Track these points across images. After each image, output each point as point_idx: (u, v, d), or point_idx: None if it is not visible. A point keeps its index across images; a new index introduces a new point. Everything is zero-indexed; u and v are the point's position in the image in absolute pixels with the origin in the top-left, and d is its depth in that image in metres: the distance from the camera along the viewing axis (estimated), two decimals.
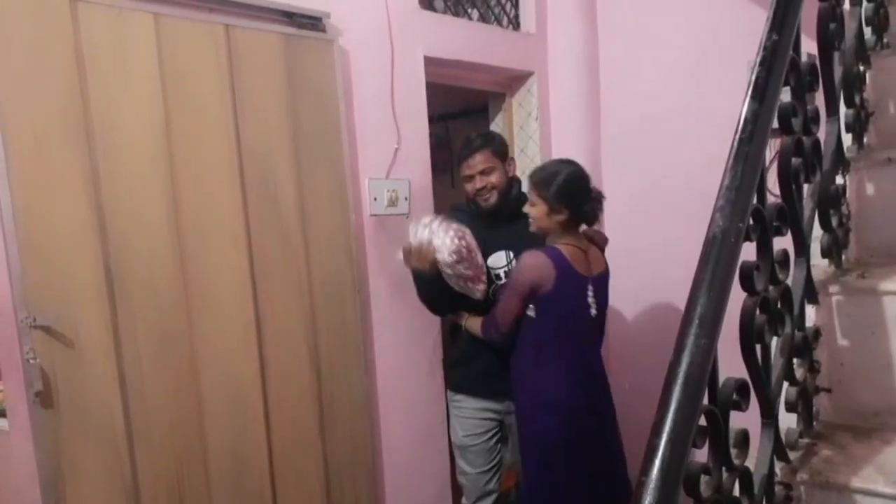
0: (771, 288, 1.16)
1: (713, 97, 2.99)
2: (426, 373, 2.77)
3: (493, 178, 2.32)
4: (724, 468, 1.03)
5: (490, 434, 2.42)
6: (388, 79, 2.60)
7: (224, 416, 2.08)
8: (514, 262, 2.27)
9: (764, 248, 1.13)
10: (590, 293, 2.19)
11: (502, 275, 2.33)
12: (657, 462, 0.87)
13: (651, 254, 3.24)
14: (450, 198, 2.77)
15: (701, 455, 1.06)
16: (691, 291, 0.99)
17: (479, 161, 2.31)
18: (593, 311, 2.20)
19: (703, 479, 0.97)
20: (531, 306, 2.14)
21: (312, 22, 2.31)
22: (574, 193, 2.12)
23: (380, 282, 2.61)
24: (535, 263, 2.10)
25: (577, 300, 2.16)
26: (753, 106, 1.10)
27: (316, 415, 2.32)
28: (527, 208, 2.22)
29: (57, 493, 1.78)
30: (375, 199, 2.57)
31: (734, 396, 1.03)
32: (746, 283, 1.08)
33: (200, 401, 2.03)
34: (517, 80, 3.33)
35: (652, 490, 0.86)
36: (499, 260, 2.34)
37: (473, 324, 2.30)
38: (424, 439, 2.79)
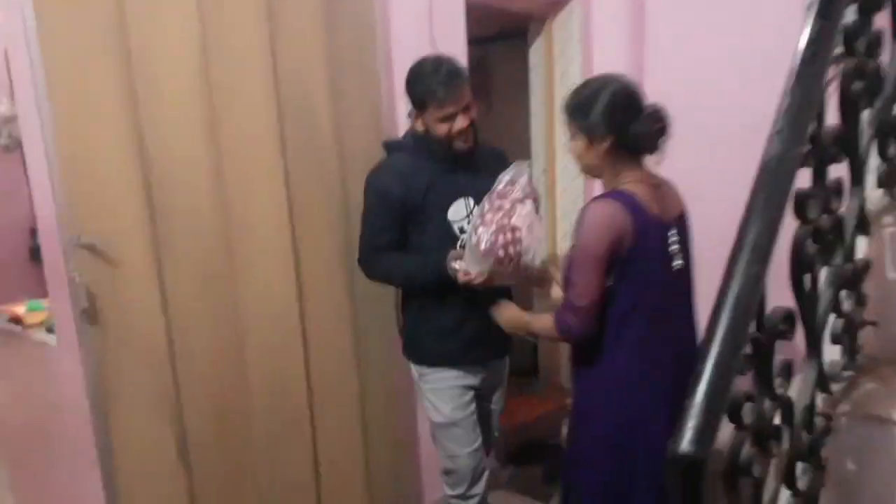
0: (823, 217, 1.12)
1: (762, 22, 2.86)
2: None
3: (475, 114, 2.01)
4: (766, 397, 1.02)
5: (474, 405, 2.16)
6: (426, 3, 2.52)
7: (264, 344, 2.10)
8: (475, 211, 1.95)
9: (819, 175, 1.09)
10: (673, 241, 1.72)
11: (465, 227, 2.00)
12: (702, 386, 0.87)
13: (700, 187, 3.17)
14: (484, 125, 2.68)
15: (744, 383, 1.05)
16: (744, 217, 0.96)
17: (465, 94, 1.96)
18: (679, 262, 1.72)
19: (747, 406, 0.97)
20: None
21: None
22: (617, 112, 1.67)
23: None
24: (607, 214, 1.63)
25: (661, 253, 1.70)
26: (818, 23, 1.04)
27: (352, 346, 2.35)
28: (571, 149, 1.83)
29: (104, 407, 1.84)
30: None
31: (781, 326, 1.01)
32: (800, 211, 1.04)
33: (240, 328, 2.05)
34: (559, 3, 3.22)
35: (696, 413, 0.86)
36: (458, 211, 2.03)
37: (541, 325, 1.81)
38: None
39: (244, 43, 2.00)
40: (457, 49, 2.66)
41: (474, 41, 2.73)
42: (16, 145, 2.93)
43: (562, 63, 3.30)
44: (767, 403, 1.01)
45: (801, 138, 0.98)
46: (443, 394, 2.12)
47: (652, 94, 3.20)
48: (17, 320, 2.24)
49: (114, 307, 1.82)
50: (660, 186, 1.75)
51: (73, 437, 1.95)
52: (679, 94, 3.14)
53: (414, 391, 2.31)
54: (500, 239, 1.84)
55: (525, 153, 3.79)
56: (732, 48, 2.95)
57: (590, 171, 1.78)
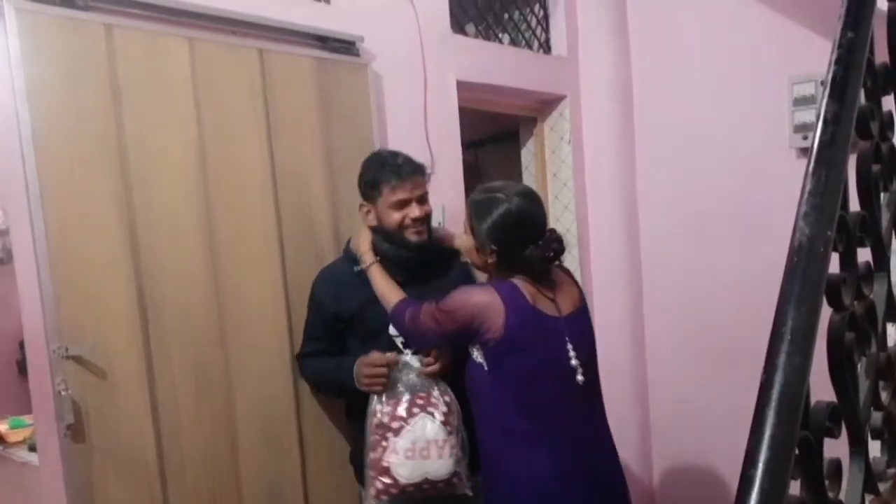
0: (856, 303, 1.07)
1: (751, 116, 2.92)
2: None
3: (429, 207, 1.94)
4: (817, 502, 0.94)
5: None
6: (420, 103, 2.56)
7: (259, 449, 1.99)
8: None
9: (849, 259, 1.04)
10: (566, 338, 1.71)
11: None
12: (755, 495, 0.78)
13: (690, 275, 3.15)
14: None
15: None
16: (779, 304, 0.90)
17: (418, 183, 1.90)
18: (573, 362, 1.70)
19: None
20: (477, 353, 1.69)
21: (346, 46, 2.27)
22: (507, 233, 1.67)
23: None
24: (474, 292, 1.67)
25: (545, 348, 1.69)
26: (833, 106, 1.03)
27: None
28: (458, 241, 1.92)
29: None
30: None
31: (827, 423, 0.94)
32: (834, 297, 0.99)
33: (235, 433, 1.95)
34: (549, 104, 3.28)
35: None
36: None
37: (384, 287, 1.86)
38: None
39: (241, 145, 1.99)
40: (451, 150, 2.69)
41: (467, 145, 2.76)
42: (8, 258, 2.89)
43: (554, 162, 3.34)
44: None
45: (830, 221, 0.94)
46: None
47: (644, 187, 3.26)
48: None
49: (101, 420, 1.72)
50: (557, 282, 1.78)
51: None
52: (671, 187, 3.19)
53: None
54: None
55: None
56: (723, 145, 3.00)
57: (479, 267, 1.83)
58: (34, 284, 1.67)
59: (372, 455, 1.80)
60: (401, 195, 1.86)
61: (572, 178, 3.27)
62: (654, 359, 3.34)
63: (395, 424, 1.77)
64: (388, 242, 1.90)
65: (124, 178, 1.77)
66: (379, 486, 1.77)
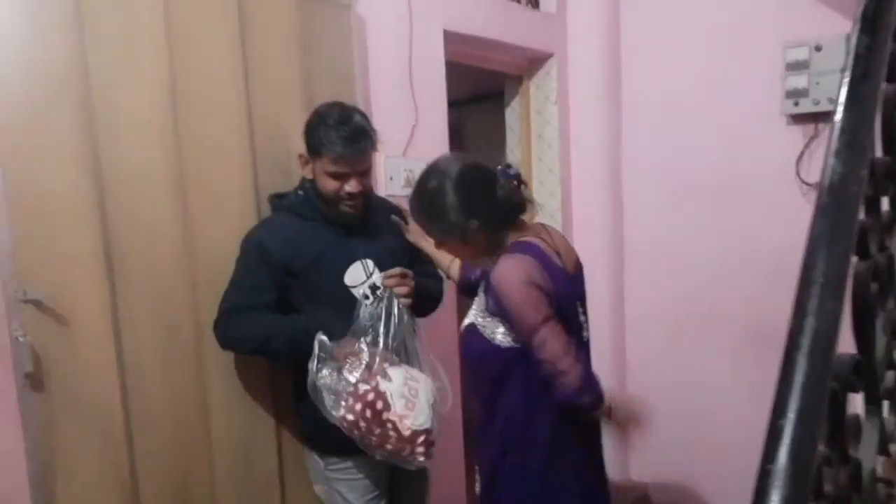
0: (878, 254, 1.00)
1: (742, 80, 2.86)
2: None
3: (369, 181, 1.84)
4: (840, 460, 0.88)
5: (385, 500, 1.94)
6: (406, 52, 2.45)
7: (230, 402, 1.90)
8: (375, 273, 1.82)
9: (874, 206, 0.98)
10: (576, 294, 1.69)
11: (369, 293, 1.80)
12: (786, 446, 0.72)
13: (673, 244, 3.10)
14: None
15: None
16: (808, 247, 0.83)
17: (363, 157, 1.76)
18: (581, 318, 1.69)
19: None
20: (503, 337, 1.57)
21: None
22: (475, 197, 1.57)
23: None
24: (516, 266, 1.52)
25: (570, 308, 1.64)
26: (865, 40, 0.95)
27: None
28: (433, 251, 1.84)
29: (47, 488, 1.61)
30: (392, 178, 2.42)
31: (852, 376, 0.87)
32: (861, 244, 0.92)
33: (204, 386, 1.85)
34: (536, 62, 3.18)
35: (782, 480, 0.71)
36: (357, 275, 1.82)
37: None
38: None
39: (216, 88, 1.87)
40: (437, 103, 2.59)
41: (449, 105, 2.65)
42: None
43: (539, 123, 3.25)
44: (841, 468, 0.87)
45: (862, 160, 0.87)
46: (355, 485, 1.87)
47: (630, 152, 3.19)
48: None
49: (63, 370, 1.62)
50: (552, 235, 1.69)
51: None
52: (657, 154, 3.12)
53: None
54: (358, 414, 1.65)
55: None
56: (712, 110, 2.94)
57: (478, 257, 1.67)
58: None
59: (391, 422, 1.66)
60: (341, 168, 1.74)
61: (557, 139, 3.19)
62: (633, 327, 3.30)
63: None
64: (324, 204, 1.82)
65: (89, 116, 1.64)
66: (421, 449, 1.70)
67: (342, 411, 1.65)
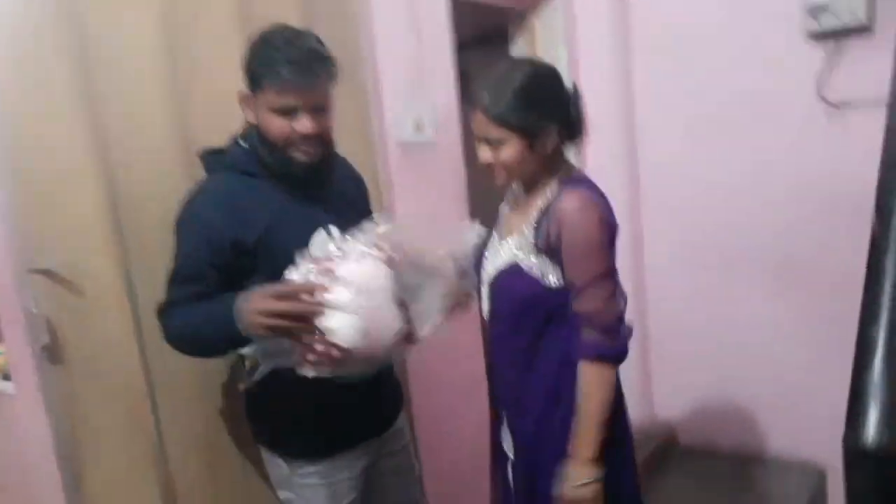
0: None
1: (758, 16, 2.73)
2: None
3: (328, 121, 1.49)
4: None
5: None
6: None
7: None
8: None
9: None
10: None
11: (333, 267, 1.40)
12: (880, 354, 0.66)
13: (692, 176, 3.01)
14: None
15: None
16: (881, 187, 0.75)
17: (316, 88, 1.43)
18: None
19: None
20: (553, 276, 1.44)
21: None
22: (560, 100, 1.47)
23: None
24: (592, 200, 1.42)
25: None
26: None
27: None
28: (485, 157, 1.48)
29: (74, 459, 1.57)
30: (398, 122, 2.32)
31: None
32: None
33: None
34: None
35: (878, 394, 0.64)
36: (324, 246, 1.39)
37: (592, 427, 1.43)
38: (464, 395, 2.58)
39: (215, 39, 1.77)
40: (442, 41, 2.48)
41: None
42: None
43: (546, 61, 3.13)
44: None
45: None
46: (328, 492, 1.58)
47: (642, 83, 3.08)
48: None
49: (79, 340, 1.56)
50: None
51: (39, 502, 1.67)
52: (672, 82, 3.01)
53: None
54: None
55: None
56: (727, 34, 2.82)
57: (524, 177, 1.52)
58: None
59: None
60: (289, 100, 1.40)
61: (567, 78, 3.07)
62: (653, 266, 3.23)
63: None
64: (266, 147, 1.46)
65: (87, 66, 1.56)
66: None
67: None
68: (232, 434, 1.81)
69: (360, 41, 2.14)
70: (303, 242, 1.39)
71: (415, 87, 2.36)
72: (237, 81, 1.70)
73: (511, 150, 1.43)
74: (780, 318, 2.86)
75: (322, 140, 1.48)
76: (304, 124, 1.42)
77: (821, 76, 2.62)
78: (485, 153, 1.47)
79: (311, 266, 1.32)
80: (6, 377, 1.81)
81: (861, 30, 2.51)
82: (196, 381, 1.74)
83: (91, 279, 1.57)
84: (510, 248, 1.50)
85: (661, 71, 3.04)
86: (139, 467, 1.65)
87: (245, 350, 1.42)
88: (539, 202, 1.49)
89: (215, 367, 1.77)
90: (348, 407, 1.57)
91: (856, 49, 2.56)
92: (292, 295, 1.27)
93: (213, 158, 1.54)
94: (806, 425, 2.83)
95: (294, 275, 1.32)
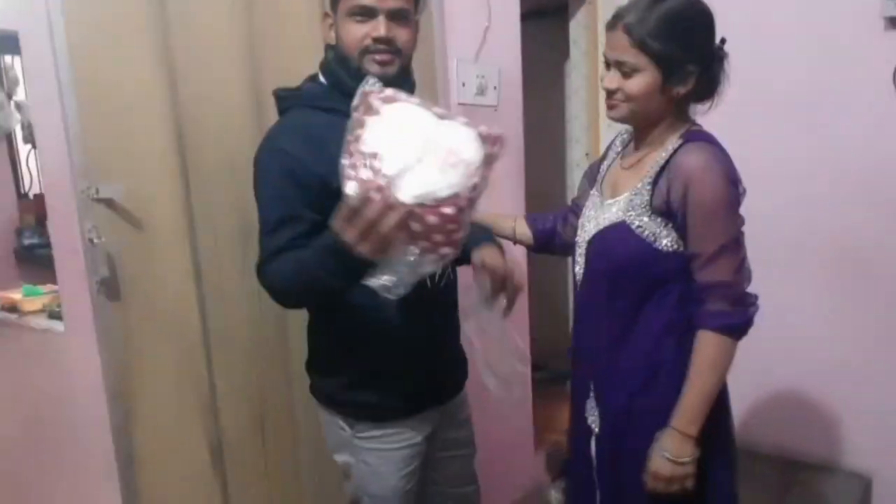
0: None
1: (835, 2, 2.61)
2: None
3: (406, 33, 1.36)
4: None
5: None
6: None
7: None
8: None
9: None
10: None
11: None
12: None
13: (758, 162, 2.88)
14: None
15: None
16: None
17: None
18: None
19: None
20: (668, 240, 1.31)
21: None
22: (708, 39, 1.34)
23: None
24: (720, 159, 1.30)
25: None
26: None
27: None
28: (611, 83, 1.31)
29: (125, 401, 1.50)
30: (464, 84, 2.24)
31: None
32: None
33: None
34: None
35: None
36: None
37: (700, 396, 1.31)
38: None
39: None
40: (509, 5, 2.39)
41: None
42: (2, 132, 2.60)
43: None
44: None
45: None
46: (391, 457, 1.48)
47: None
48: (12, 308, 1.89)
49: (138, 276, 1.50)
50: None
51: (85, 443, 1.61)
52: (741, 62, 2.89)
53: None
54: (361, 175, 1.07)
55: (562, 137, 3.52)
56: (801, 10, 2.70)
57: (643, 119, 1.35)
58: (56, 112, 1.40)
59: None
60: (365, 0, 1.30)
61: None
62: None
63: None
64: (343, 67, 1.35)
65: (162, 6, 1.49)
66: None
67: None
68: (287, 390, 1.74)
69: (430, 4, 2.06)
70: None
71: (481, 51, 2.27)
72: (310, 27, 1.62)
73: (644, 80, 1.28)
74: (834, 316, 2.75)
75: (400, 51, 1.35)
76: (379, 28, 1.31)
77: None
78: (612, 78, 1.31)
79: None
80: (53, 316, 1.75)
81: None
82: (253, 330, 1.68)
83: (153, 212, 1.50)
84: (620, 208, 1.36)
85: (736, 56, 2.92)
86: (188, 416, 1.59)
87: (372, 281, 1.18)
88: (656, 157, 1.34)
89: (274, 318, 1.70)
90: (418, 368, 1.45)
91: None
92: (360, 207, 1.06)
93: (289, 95, 1.42)
94: (854, 431, 2.73)
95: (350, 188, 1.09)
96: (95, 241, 1.42)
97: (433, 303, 1.44)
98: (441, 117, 1.15)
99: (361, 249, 1.08)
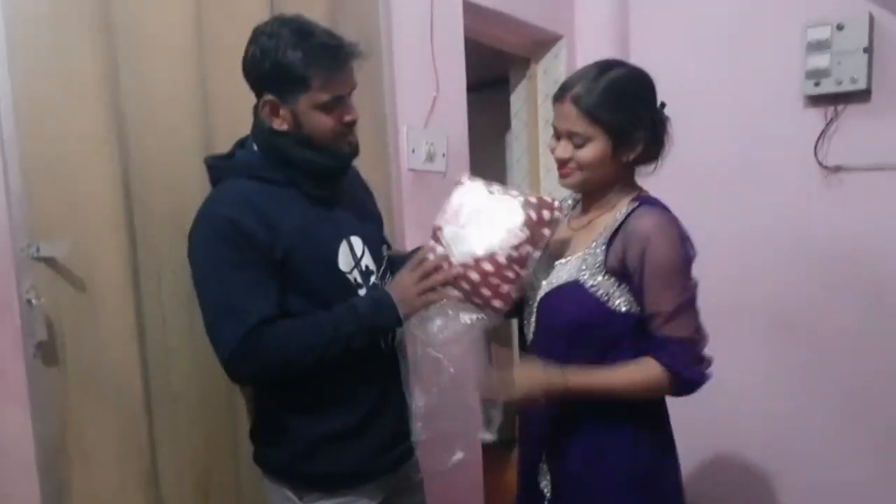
0: None
1: (760, 61, 2.79)
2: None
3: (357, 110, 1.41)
4: None
5: None
6: (427, 22, 2.30)
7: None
8: (366, 255, 1.43)
9: None
10: None
11: (361, 280, 1.41)
12: None
13: (689, 231, 3.01)
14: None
15: None
16: None
17: (352, 72, 1.36)
18: None
19: None
20: (622, 300, 1.33)
21: None
22: (652, 107, 1.39)
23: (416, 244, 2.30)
24: (671, 220, 1.35)
25: None
26: None
27: None
28: (563, 152, 1.37)
29: (59, 473, 1.39)
30: (414, 150, 2.26)
31: None
32: None
33: None
34: (544, 44, 3.09)
35: None
36: (346, 260, 1.40)
37: (603, 382, 1.33)
38: None
39: (243, 23, 1.68)
40: (457, 75, 2.49)
41: None
42: None
43: (547, 108, 3.14)
44: None
45: None
46: None
47: None
48: None
49: (79, 340, 1.42)
50: None
51: None
52: (678, 141, 3.02)
53: None
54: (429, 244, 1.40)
55: None
56: (728, 90, 2.87)
57: (591, 186, 1.41)
58: None
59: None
60: (339, 89, 1.32)
61: None
62: None
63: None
64: (309, 149, 1.35)
65: (110, 41, 1.46)
66: None
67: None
68: (233, 458, 1.65)
69: (383, 70, 2.10)
70: (333, 255, 1.37)
71: (429, 119, 2.32)
72: None
73: (595, 149, 1.33)
74: (775, 372, 2.83)
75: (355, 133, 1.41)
76: (352, 112, 1.36)
77: (817, 138, 2.68)
78: (564, 148, 1.36)
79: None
80: None
81: (860, 95, 2.58)
82: (199, 395, 1.60)
83: (97, 272, 1.43)
84: (571, 268, 1.38)
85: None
86: (128, 489, 1.48)
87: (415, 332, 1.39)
88: (608, 219, 1.37)
89: (222, 382, 1.62)
90: (372, 431, 1.43)
91: (853, 114, 2.62)
92: (433, 267, 1.34)
93: (221, 164, 1.41)
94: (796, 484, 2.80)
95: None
96: (34, 301, 1.34)
97: (385, 364, 1.43)
98: (491, 192, 1.39)
99: (415, 297, 1.32)
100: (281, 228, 1.30)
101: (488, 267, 1.31)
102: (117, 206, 1.46)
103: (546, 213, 1.34)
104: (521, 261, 1.32)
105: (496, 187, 1.40)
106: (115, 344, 1.45)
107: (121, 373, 1.47)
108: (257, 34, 1.33)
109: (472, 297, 1.33)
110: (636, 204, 1.36)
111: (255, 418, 1.49)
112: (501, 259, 1.31)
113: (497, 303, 1.33)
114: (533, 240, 1.32)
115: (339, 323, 1.31)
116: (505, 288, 1.32)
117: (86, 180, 1.42)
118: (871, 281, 2.61)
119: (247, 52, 1.34)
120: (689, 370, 1.31)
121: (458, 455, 1.40)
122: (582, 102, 1.31)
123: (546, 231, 1.34)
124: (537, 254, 1.34)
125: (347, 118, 1.36)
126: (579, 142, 1.34)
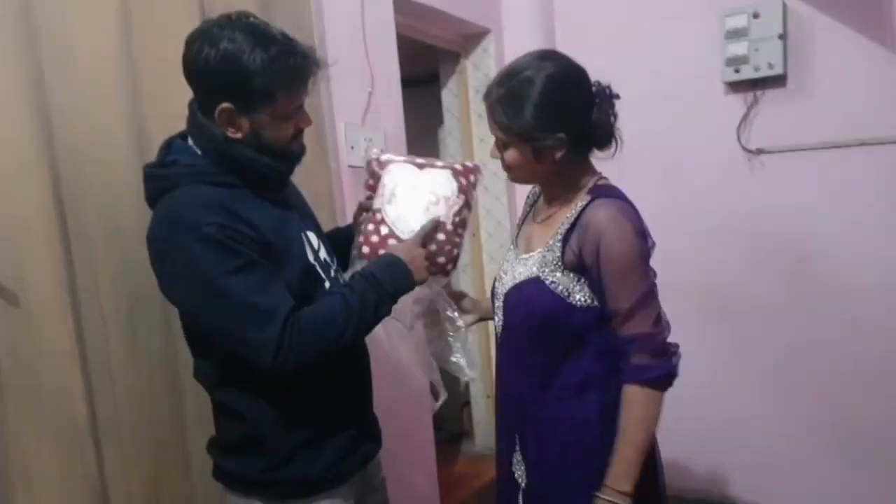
0: None
1: (680, 55, 2.88)
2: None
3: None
4: None
5: None
6: (358, 16, 2.28)
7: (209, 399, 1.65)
8: (322, 250, 1.40)
9: None
10: None
11: (322, 274, 1.38)
12: None
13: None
14: None
15: None
16: None
17: (311, 89, 1.33)
18: None
19: None
20: (581, 295, 1.33)
21: None
22: (568, 104, 1.32)
23: None
24: (626, 212, 1.31)
25: None
26: None
27: None
28: (494, 153, 1.40)
29: (3, 499, 1.31)
30: (352, 147, 2.23)
31: None
32: None
33: (178, 376, 1.59)
34: (472, 38, 3.10)
35: None
36: (314, 244, 1.40)
37: (642, 408, 1.31)
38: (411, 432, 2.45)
39: (174, 30, 1.62)
40: (390, 70, 2.46)
41: None
42: None
43: (478, 102, 3.13)
44: None
45: None
46: None
47: None
48: None
49: (17, 362, 1.33)
50: None
51: None
52: None
53: None
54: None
55: None
56: (650, 78, 2.95)
57: (537, 181, 1.44)
58: None
59: None
60: (300, 101, 1.30)
61: None
62: None
63: None
64: (267, 155, 1.29)
65: (34, 50, 1.38)
66: None
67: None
68: (184, 473, 1.59)
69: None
70: (301, 250, 1.34)
71: (366, 115, 2.30)
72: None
73: (515, 153, 1.34)
74: (708, 350, 2.93)
75: None
76: (307, 118, 1.34)
77: (739, 123, 2.78)
78: (493, 149, 1.39)
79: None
80: None
81: (777, 80, 2.70)
82: (147, 416, 1.53)
83: (30, 289, 1.35)
84: (533, 264, 1.37)
85: None
86: None
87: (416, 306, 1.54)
88: (565, 214, 1.36)
89: (170, 401, 1.56)
90: (345, 429, 1.40)
91: (772, 98, 2.74)
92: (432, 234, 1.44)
93: (170, 172, 1.28)
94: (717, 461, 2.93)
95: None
96: None
97: (352, 358, 1.41)
98: (421, 167, 1.49)
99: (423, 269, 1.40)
100: (259, 227, 1.25)
101: (441, 236, 1.44)
102: (49, 213, 1.38)
103: (472, 177, 1.52)
104: (463, 223, 1.49)
105: (420, 160, 1.52)
106: (53, 364, 1.37)
107: (61, 396, 1.39)
108: (210, 35, 1.21)
109: (430, 268, 1.43)
110: (590, 197, 1.34)
111: (220, 432, 1.41)
112: (449, 226, 1.45)
113: (450, 266, 1.48)
114: (468, 202, 1.49)
115: (363, 294, 1.30)
116: (455, 252, 1.48)
117: (13, 188, 1.33)
118: (794, 258, 2.73)
119: (195, 51, 1.21)
120: (655, 370, 1.30)
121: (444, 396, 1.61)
122: (495, 111, 1.32)
123: (474, 192, 1.51)
124: (470, 214, 1.51)
125: (303, 124, 1.34)
126: (501, 145, 1.36)
